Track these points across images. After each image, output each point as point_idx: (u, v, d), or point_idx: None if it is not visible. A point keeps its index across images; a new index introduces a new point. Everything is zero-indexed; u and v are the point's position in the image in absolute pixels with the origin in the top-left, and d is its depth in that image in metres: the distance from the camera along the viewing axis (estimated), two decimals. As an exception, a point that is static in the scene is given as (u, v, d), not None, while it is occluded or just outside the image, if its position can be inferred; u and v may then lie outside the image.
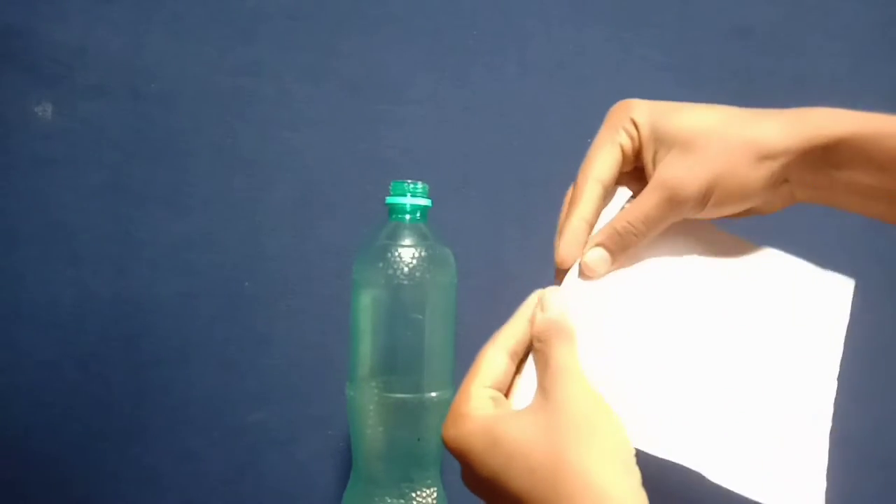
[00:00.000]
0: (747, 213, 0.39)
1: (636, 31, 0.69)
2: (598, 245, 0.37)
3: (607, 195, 0.39)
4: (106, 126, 0.64)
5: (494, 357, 0.36)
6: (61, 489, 0.65)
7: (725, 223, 0.40)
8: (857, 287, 0.39)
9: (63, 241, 0.64)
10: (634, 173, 0.40)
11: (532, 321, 0.36)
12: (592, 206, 0.38)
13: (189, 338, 0.66)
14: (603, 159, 0.38)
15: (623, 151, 0.38)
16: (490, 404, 0.34)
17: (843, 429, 0.70)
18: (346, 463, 0.66)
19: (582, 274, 0.38)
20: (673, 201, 0.36)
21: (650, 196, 0.36)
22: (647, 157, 0.38)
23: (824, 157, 0.35)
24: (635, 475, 0.30)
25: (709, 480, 0.34)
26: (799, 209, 0.69)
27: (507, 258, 0.68)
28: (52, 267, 0.64)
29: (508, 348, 0.36)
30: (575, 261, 0.38)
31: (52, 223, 0.64)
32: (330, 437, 0.67)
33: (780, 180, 0.36)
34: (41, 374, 0.64)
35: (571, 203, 0.38)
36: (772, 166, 0.35)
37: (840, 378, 0.36)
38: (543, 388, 0.33)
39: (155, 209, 0.65)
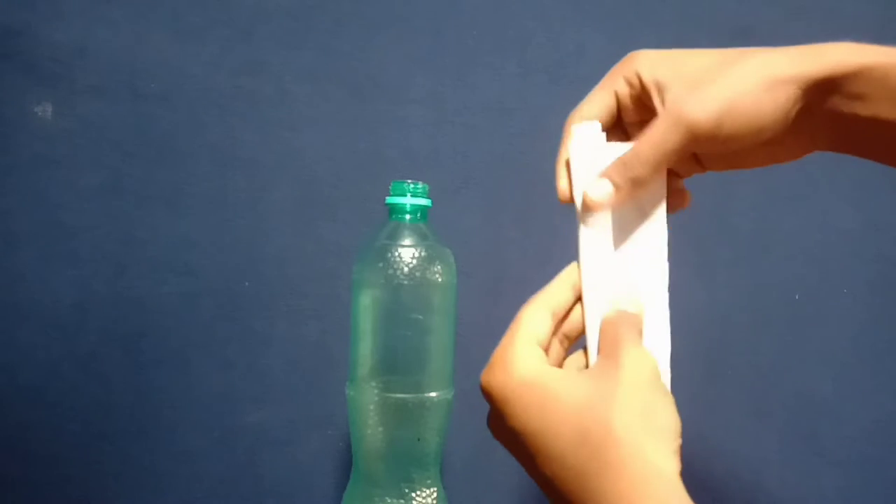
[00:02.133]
0: (767, 159, 0.38)
1: (636, 31, 0.69)
2: (602, 177, 0.36)
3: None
4: (106, 126, 0.64)
5: (538, 314, 0.35)
6: (61, 489, 0.65)
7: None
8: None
9: (63, 241, 0.64)
10: (643, 126, 0.38)
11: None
12: None
13: (189, 338, 0.66)
14: (592, 103, 0.39)
15: (619, 98, 0.38)
16: (540, 360, 0.34)
17: (843, 427, 0.70)
18: (346, 463, 0.66)
19: (586, 209, 0.37)
20: (683, 126, 0.34)
21: (658, 124, 0.35)
22: (656, 101, 0.36)
23: (843, 88, 0.33)
24: (677, 461, 0.30)
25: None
26: (800, 208, 0.69)
27: (507, 258, 0.68)
28: (52, 267, 0.64)
29: (551, 308, 0.36)
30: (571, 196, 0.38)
31: (52, 223, 0.64)
32: (330, 437, 0.67)
33: (797, 107, 0.34)
34: (41, 374, 0.64)
35: (561, 146, 0.39)
36: (787, 90, 0.33)
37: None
38: (611, 357, 0.33)
39: (155, 209, 0.65)
